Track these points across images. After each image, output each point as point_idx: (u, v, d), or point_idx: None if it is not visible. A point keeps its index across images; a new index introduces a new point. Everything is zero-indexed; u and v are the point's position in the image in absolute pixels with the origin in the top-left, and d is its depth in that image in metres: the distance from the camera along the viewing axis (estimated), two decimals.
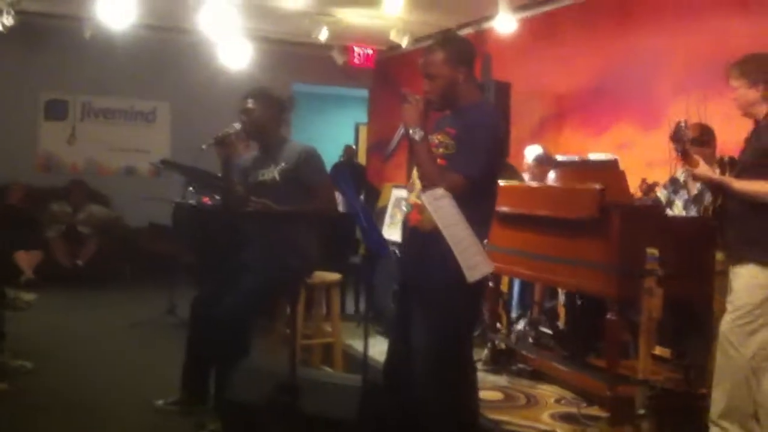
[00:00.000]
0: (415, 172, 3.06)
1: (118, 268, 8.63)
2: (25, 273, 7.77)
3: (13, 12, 7.50)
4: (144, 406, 4.20)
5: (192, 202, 6.36)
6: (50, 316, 6.39)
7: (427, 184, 2.87)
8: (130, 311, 6.59)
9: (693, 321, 4.30)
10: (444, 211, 2.69)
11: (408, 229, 3.13)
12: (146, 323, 6.23)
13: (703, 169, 3.58)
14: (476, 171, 2.88)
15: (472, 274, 2.68)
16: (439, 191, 2.74)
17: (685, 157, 3.60)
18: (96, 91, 9.56)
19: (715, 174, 3.59)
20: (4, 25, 7.76)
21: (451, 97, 3.05)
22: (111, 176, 9.65)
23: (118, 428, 3.97)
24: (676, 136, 3.58)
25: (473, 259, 2.71)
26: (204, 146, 4.10)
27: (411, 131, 2.93)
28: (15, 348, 4.96)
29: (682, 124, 3.57)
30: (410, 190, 3.11)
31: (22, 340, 5.26)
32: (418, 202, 2.94)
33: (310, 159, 4.11)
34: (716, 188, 3.63)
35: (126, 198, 9.07)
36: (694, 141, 3.76)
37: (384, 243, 3.17)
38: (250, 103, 4.13)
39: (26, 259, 7.91)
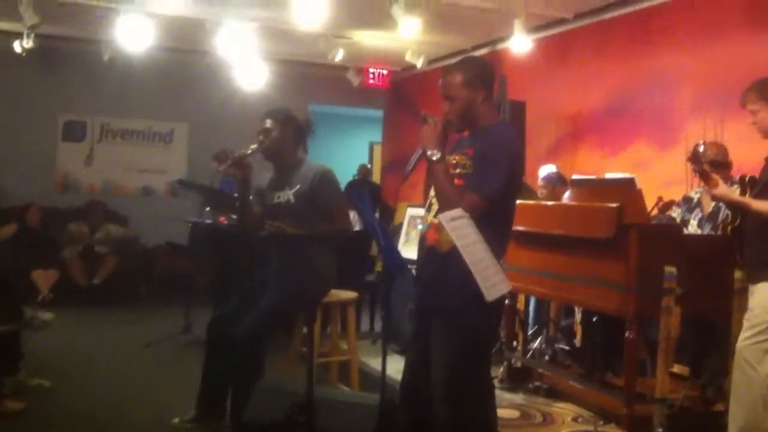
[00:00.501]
0: (432, 192, 3.07)
1: (135, 287, 8.69)
2: (42, 291, 7.84)
3: (33, 35, 7.60)
4: (160, 424, 4.21)
5: (208, 221, 6.40)
6: (67, 335, 6.42)
7: (445, 205, 2.88)
8: (147, 330, 6.62)
9: (711, 339, 4.28)
10: (462, 231, 2.69)
11: (425, 248, 3.12)
12: (162, 342, 6.25)
13: (723, 189, 3.58)
14: (494, 191, 2.89)
15: (491, 294, 2.68)
16: (457, 212, 2.75)
17: (704, 177, 3.61)
18: (114, 113, 9.68)
19: (734, 194, 3.60)
20: (24, 48, 7.87)
21: (470, 119, 3.06)
22: (128, 196, 9.74)
23: None
24: (695, 158, 3.60)
25: (492, 279, 2.71)
26: (221, 168, 4.10)
27: (429, 152, 2.95)
28: (32, 366, 4.99)
29: (701, 147, 3.59)
30: (427, 210, 3.12)
31: (40, 359, 5.29)
32: (435, 221, 2.95)
33: (325, 180, 4.12)
34: (735, 208, 3.63)
35: (143, 217, 9.14)
36: (712, 162, 3.77)
37: (403, 262, 3.18)
38: (268, 123, 4.14)
39: (43, 278, 7.98)
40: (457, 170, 3.00)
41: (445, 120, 3.03)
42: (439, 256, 2.97)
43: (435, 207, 3.02)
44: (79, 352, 6.04)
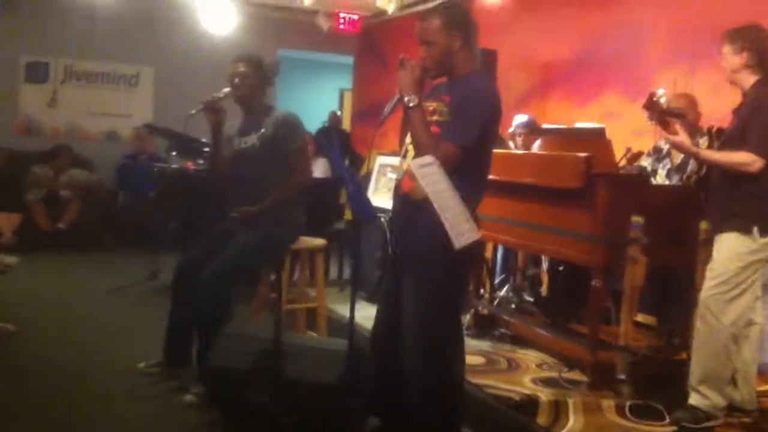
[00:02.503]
0: (408, 139, 3.04)
1: (100, 233, 8.58)
2: (4, 235, 7.69)
3: None
4: (126, 368, 4.20)
5: (175, 166, 6.32)
6: (32, 280, 6.35)
7: (421, 152, 2.86)
8: (113, 276, 6.57)
9: (675, 289, 4.34)
10: (432, 179, 2.68)
11: (399, 195, 3.11)
12: (129, 288, 6.22)
13: (682, 138, 3.61)
14: (469, 140, 2.87)
15: (460, 242, 2.68)
16: (428, 158, 2.74)
17: (662, 125, 3.63)
18: (78, 54, 9.44)
19: (686, 142, 3.61)
20: None
21: (448, 65, 3.03)
22: (93, 141, 9.56)
23: (101, 390, 3.95)
24: (649, 105, 3.63)
25: (461, 227, 2.71)
26: (192, 111, 4.04)
27: (406, 98, 2.92)
28: None
29: (658, 93, 3.61)
30: (403, 157, 3.10)
31: (4, 304, 5.24)
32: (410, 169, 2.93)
33: (288, 125, 4.10)
34: (690, 157, 3.68)
35: (108, 162, 8.98)
36: (668, 110, 3.78)
37: (371, 209, 3.16)
38: (243, 67, 4.09)
39: (5, 222, 7.80)
40: (434, 117, 2.98)
41: (422, 65, 2.99)
42: (413, 204, 2.96)
43: (411, 154, 3.00)
44: (44, 297, 5.98)
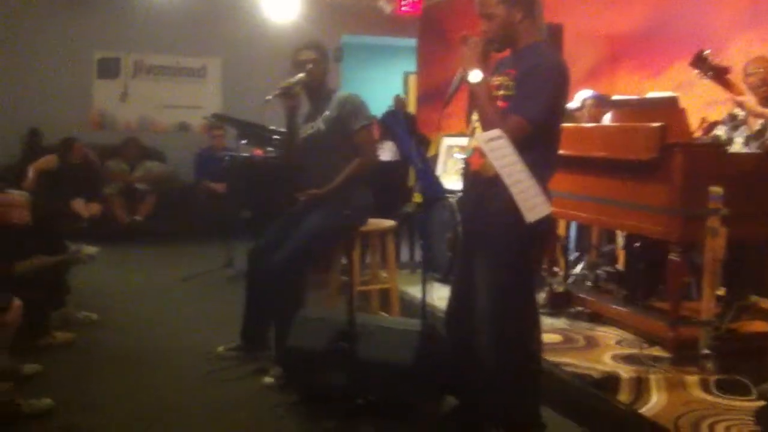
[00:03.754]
0: (475, 116, 3.00)
1: (175, 224, 8.75)
2: (83, 217, 7.90)
3: None
4: (206, 353, 4.28)
5: (245, 154, 6.41)
6: (111, 271, 6.52)
7: (488, 128, 2.82)
8: (189, 265, 6.71)
9: (748, 259, 4.21)
10: (500, 152, 2.64)
11: (469, 173, 3.08)
12: (205, 275, 6.33)
13: (747, 97, 3.48)
14: (538, 112, 2.80)
15: (531, 216, 2.64)
16: (495, 132, 2.69)
17: (722, 83, 3.51)
18: (147, 49, 9.63)
19: (754, 102, 3.48)
20: None
21: (510, 37, 2.96)
22: (165, 133, 9.75)
23: (182, 374, 4.06)
24: (696, 62, 3.52)
25: (531, 201, 2.66)
26: (269, 97, 4.08)
27: (470, 74, 2.87)
28: (79, 301, 5.09)
29: (705, 52, 3.51)
30: (471, 135, 3.06)
31: (86, 293, 5.40)
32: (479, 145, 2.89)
33: (351, 104, 4.12)
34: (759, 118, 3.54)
35: (180, 154, 9.16)
36: (717, 68, 3.64)
37: (440, 185, 3.14)
38: (311, 53, 4.14)
39: (83, 207, 8.03)
40: (501, 92, 2.91)
41: (484, 40, 2.94)
42: (483, 180, 2.91)
43: (479, 132, 2.95)
44: (123, 286, 6.15)
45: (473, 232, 3.06)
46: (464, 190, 3.16)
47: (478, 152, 2.92)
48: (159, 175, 8.84)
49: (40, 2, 8.70)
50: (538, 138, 2.82)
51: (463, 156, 3.19)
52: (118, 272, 6.64)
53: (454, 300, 3.20)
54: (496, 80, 2.95)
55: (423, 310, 2.87)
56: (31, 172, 7.74)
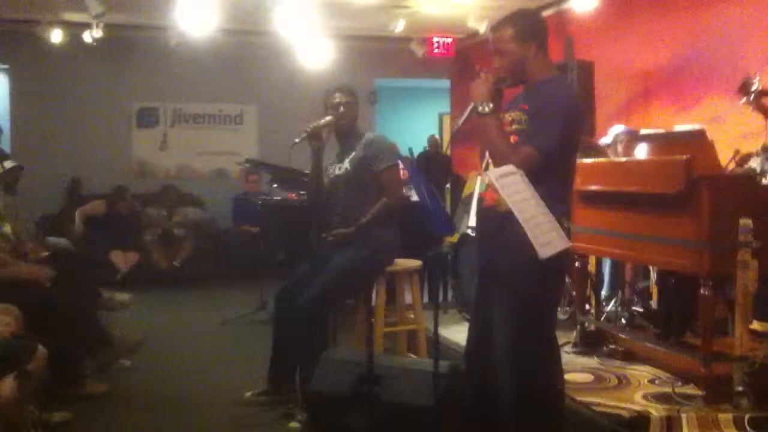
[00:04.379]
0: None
1: (212, 268, 8.84)
2: (120, 270, 8.05)
3: (101, 25, 7.78)
4: (235, 398, 4.28)
5: (277, 198, 6.47)
6: (147, 316, 6.59)
7: (498, 160, 2.81)
8: (224, 309, 6.75)
9: None
10: (513, 188, 2.62)
11: (483, 209, 3.06)
12: (239, 319, 6.36)
13: None
14: (549, 144, 2.79)
15: (545, 251, 2.59)
16: (507, 168, 2.68)
17: (761, 111, 3.44)
18: (185, 98, 9.86)
19: None
20: (93, 38, 8.07)
21: (522, 73, 2.98)
22: (203, 179, 9.91)
23: (211, 419, 4.06)
24: (743, 89, 3.46)
25: (546, 236, 2.62)
26: (296, 140, 4.15)
27: (480, 106, 2.88)
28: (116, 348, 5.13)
29: (752, 79, 3.45)
30: (485, 169, 3.04)
31: (120, 340, 5.44)
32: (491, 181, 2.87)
33: (377, 145, 4.18)
34: None
35: (218, 199, 9.28)
36: (762, 92, 3.58)
37: (449, 221, 3.12)
38: (343, 97, 4.22)
39: (122, 259, 8.18)
40: (513, 126, 2.92)
41: (496, 75, 2.95)
42: (497, 216, 2.88)
43: (492, 167, 2.94)
44: (158, 332, 6.18)
45: (489, 268, 3.02)
46: (478, 227, 3.13)
47: (491, 187, 2.91)
48: (196, 220, 8.95)
49: (81, 55, 8.94)
50: (551, 171, 2.80)
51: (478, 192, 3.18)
52: (153, 318, 6.69)
53: (472, 338, 3.16)
54: (509, 116, 2.95)
55: (436, 350, 2.82)
56: (78, 218, 7.90)
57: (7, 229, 5.08)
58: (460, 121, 2.96)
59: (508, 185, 2.59)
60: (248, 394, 4.27)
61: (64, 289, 4.29)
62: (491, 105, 2.86)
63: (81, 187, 9.21)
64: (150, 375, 4.90)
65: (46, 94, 9.31)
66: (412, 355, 4.60)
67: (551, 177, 2.81)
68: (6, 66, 9.63)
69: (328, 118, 4.18)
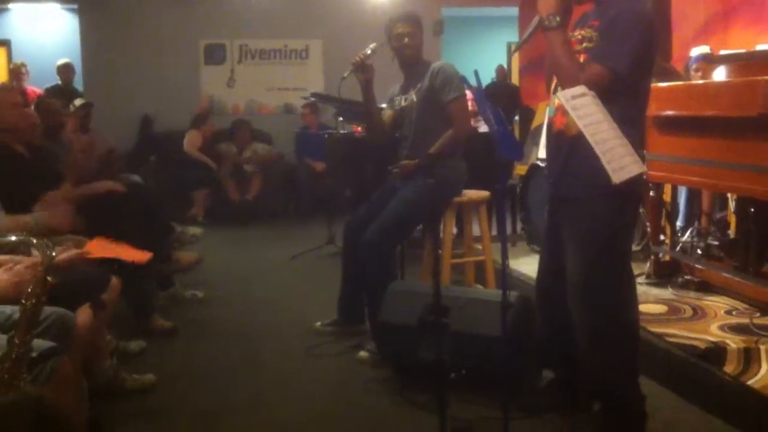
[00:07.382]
0: None
1: (281, 204, 8.93)
2: (196, 211, 8.23)
3: None
4: (305, 329, 4.34)
5: (343, 131, 6.43)
6: (218, 250, 6.71)
7: (563, 78, 2.67)
8: (293, 243, 6.81)
9: None
10: (584, 110, 2.50)
11: (553, 133, 2.94)
12: (307, 253, 6.42)
13: None
14: (621, 63, 2.62)
15: (619, 176, 2.47)
16: (579, 89, 2.55)
17: None
18: (251, 34, 9.81)
19: None
20: None
21: None
22: (270, 115, 9.92)
23: (282, 349, 4.11)
24: None
25: (620, 161, 2.50)
26: (344, 74, 4.07)
27: (546, 19, 2.71)
28: (185, 280, 5.24)
29: None
30: (554, 92, 2.91)
31: (194, 272, 5.56)
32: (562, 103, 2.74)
33: (443, 75, 4.04)
34: None
35: (286, 135, 9.30)
36: None
37: (518, 146, 3.02)
38: (407, 27, 4.08)
39: (201, 200, 8.36)
40: (583, 45, 2.76)
41: None
42: (568, 141, 2.77)
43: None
44: (230, 265, 6.30)
45: (560, 196, 2.92)
46: (548, 153, 3.01)
47: (560, 110, 2.79)
48: (265, 156, 9.00)
49: None
50: (623, 93, 2.66)
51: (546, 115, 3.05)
52: (225, 251, 6.82)
53: (544, 270, 3.09)
54: (579, 33, 2.81)
55: (504, 280, 2.76)
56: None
57: None
58: (525, 36, 2.82)
59: (580, 107, 2.48)
60: (318, 324, 4.32)
61: (139, 222, 4.33)
62: (558, 18, 2.69)
63: (152, 124, 9.35)
64: (222, 307, 4.99)
65: (115, 32, 9.41)
66: (480, 287, 4.56)
67: (623, 99, 2.67)
68: (76, 5, 9.75)
69: (372, 45, 4.04)
